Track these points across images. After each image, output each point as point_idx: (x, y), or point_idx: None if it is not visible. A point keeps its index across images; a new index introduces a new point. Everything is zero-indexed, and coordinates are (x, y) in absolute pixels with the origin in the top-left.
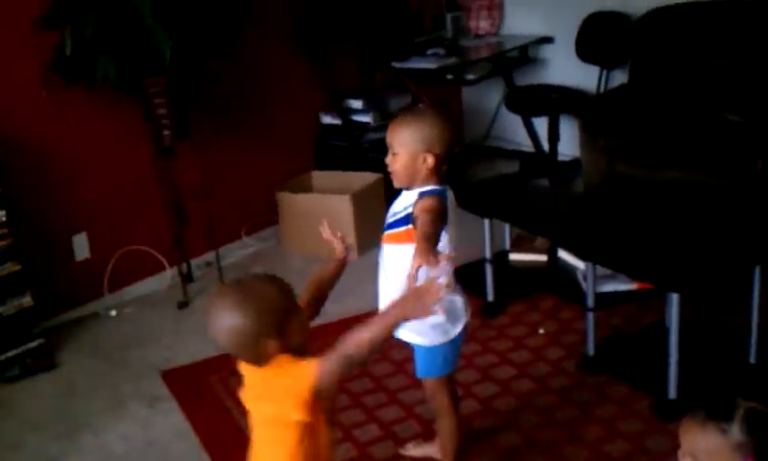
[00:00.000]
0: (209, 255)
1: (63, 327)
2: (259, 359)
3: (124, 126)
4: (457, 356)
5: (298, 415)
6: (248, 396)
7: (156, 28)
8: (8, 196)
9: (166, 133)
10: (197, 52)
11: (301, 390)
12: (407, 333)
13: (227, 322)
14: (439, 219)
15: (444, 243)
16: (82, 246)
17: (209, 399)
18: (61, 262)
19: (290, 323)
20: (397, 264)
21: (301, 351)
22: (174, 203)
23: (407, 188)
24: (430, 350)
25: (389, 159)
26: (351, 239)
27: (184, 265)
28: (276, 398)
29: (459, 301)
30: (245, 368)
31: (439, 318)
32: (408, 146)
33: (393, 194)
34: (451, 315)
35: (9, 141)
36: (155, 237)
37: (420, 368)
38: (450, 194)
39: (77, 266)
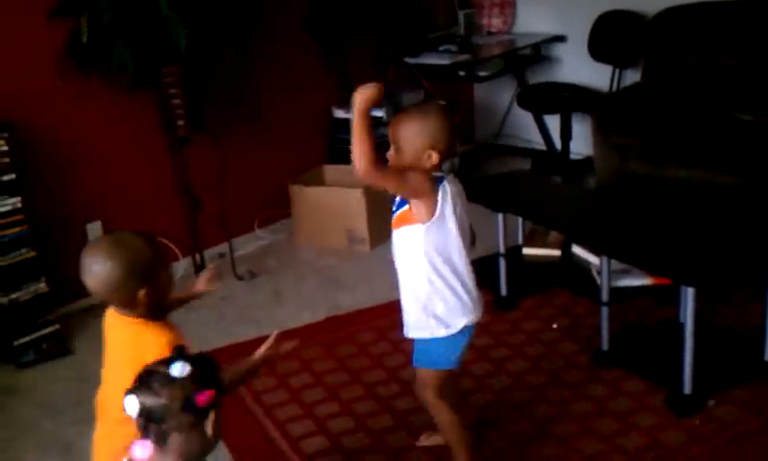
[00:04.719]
0: (222, 247)
1: (78, 314)
2: (129, 305)
3: (139, 115)
4: (457, 357)
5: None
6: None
7: (172, 17)
8: (24, 183)
9: (181, 123)
10: (212, 43)
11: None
12: (411, 331)
13: (101, 268)
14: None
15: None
16: (96, 234)
17: None
18: (76, 250)
19: (159, 274)
20: (403, 246)
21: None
22: (188, 193)
23: None
24: (427, 340)
25: (391, 155)
26: (364, 233)
27: (197, 255)
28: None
29: (465, 296)
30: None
31: (439, 309)
32: (414, 142)
33: None
34: (453, 310)
35: (24, 129)
36: (168, 227)
37: (415, 355)
38: (454, 187)
39: None
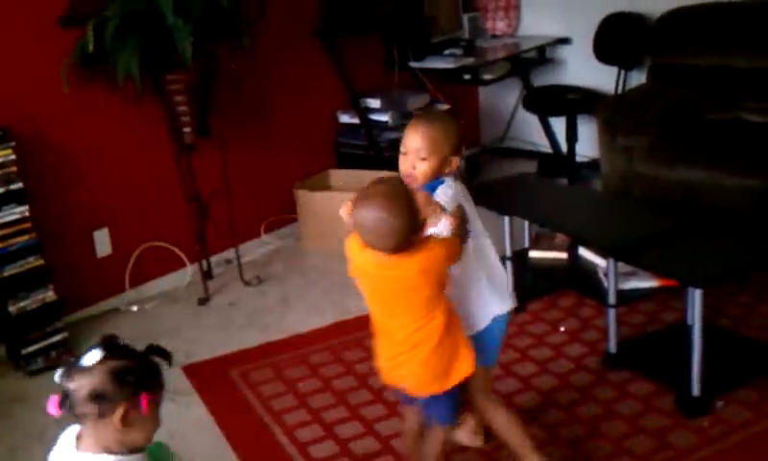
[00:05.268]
0: (229, 253)
1: (85, 321)
2: (402, 248)
3: (145, 122)
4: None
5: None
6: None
7: (177, 25)
8: (31, 192)
9: (187, 130)
10: (217, 49)
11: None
12: (481, 322)
13: (386, 222)
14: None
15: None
16: (103, 242)
17: (230, 392)
18: (83, 258)
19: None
20: None
21: None
22: (195, 200)
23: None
24: (484, 331)
25: (413, 164)
26: None
27: (205, 262)
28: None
29: (486, 292)
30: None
31: (487, 287)
32: (441, 150)
33: None
34: (494, 290)
35: (31, 138)
36: (175, 234)
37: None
38: (459, 186)
39: (98, 262)
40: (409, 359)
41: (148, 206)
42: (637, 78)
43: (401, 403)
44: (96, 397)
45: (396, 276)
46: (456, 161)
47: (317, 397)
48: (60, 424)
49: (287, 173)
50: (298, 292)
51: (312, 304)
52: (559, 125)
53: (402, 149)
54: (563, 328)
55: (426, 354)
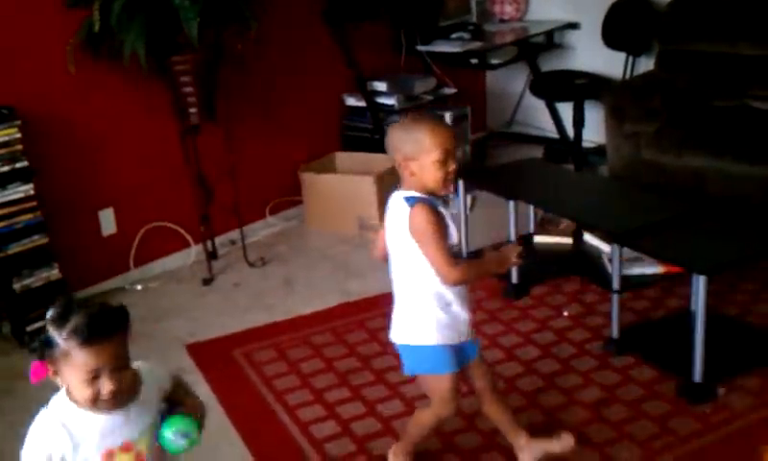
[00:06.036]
0: (234, 234)
1: (90, 300)
2: None
3: (152, 103)
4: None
5: None
6: None
7: (184, 5)
8: (36, 170)
9: (193, 111)
10: (224, 31)
11: None
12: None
13: None
14: None
15: None
16: (108, 221)
17: (233, 372)
18: (88, 237)
19: None
20: None
21: None
22: (200, 180)
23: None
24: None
25: (450, 169)
26: (375, 220)
27: (209, 242)
28: None
29: (462, 317)
30: None
31: (438, 317)
32: None
33: None
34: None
35: (37, 116)
36: (180, 214)
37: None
38: None
39: (103, 241)
40: None
41: (153, 186)
42: (645, 64)
43: None
44: None
45: None
46: None
47: (319, 377)
48: None
49: (292, 155)
50: (302, 274)
51: (316, 286)
52: (566, 110)
53: (440, 156)
54: (566, 313)
55: None
